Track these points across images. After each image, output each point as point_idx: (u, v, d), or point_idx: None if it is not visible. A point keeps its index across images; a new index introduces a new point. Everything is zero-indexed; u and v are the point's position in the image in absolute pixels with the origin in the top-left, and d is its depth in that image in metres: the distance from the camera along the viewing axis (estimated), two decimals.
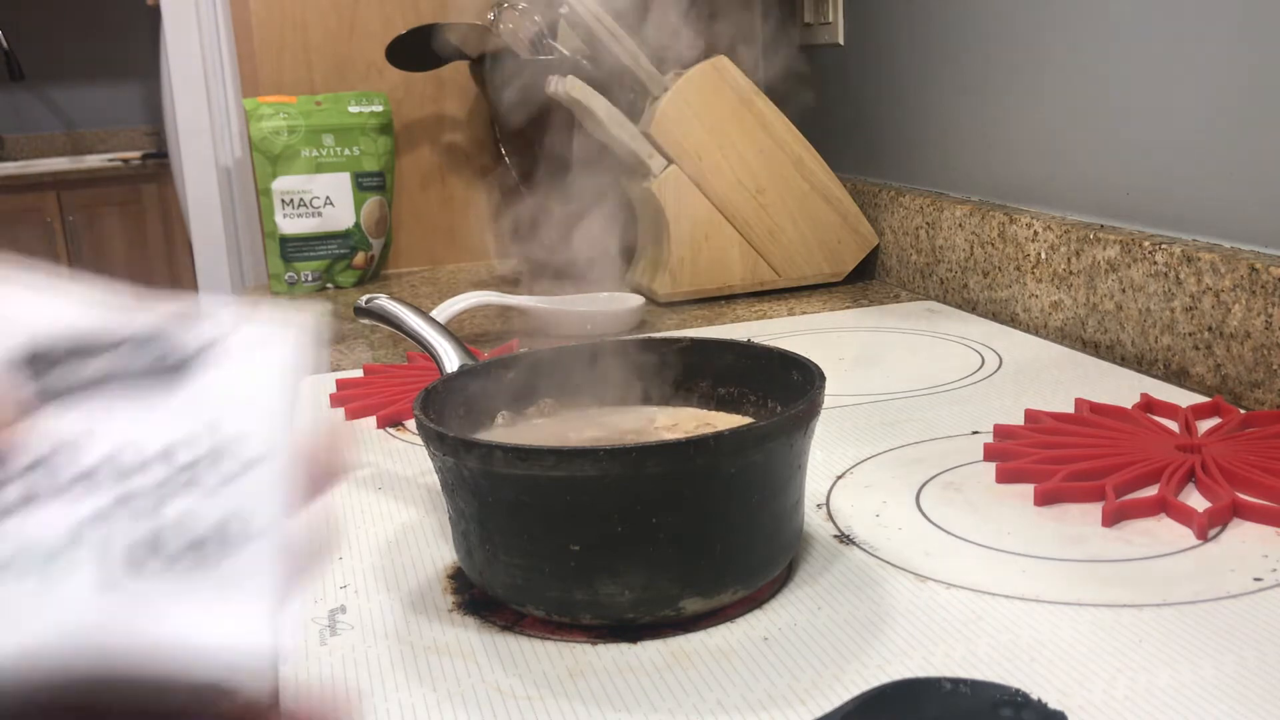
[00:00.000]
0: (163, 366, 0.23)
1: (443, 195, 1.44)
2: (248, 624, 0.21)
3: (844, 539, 0.58)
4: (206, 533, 0.21)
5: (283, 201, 1.29)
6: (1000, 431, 0.70)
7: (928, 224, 1.14)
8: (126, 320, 0.24)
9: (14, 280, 0.24)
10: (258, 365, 0.24)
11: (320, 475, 0.24)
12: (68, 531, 0.21)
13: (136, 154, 3.15)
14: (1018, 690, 0.42)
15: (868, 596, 0.52)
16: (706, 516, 0.49)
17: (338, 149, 1.30)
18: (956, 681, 0.43)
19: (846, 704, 0.43)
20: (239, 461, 0.22)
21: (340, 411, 0.84)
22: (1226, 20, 0.80)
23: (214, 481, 0.22)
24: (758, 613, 0.51)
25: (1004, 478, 0.64)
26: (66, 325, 0.23)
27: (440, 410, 0.56)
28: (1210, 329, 0.80)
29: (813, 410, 0.53)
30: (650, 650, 0.49)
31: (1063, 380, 0.82)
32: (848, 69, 1.31)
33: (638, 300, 1.07)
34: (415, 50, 1.29)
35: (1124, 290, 0.88)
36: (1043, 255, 0.97)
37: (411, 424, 0.79)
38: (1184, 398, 0.76)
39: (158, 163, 3.02)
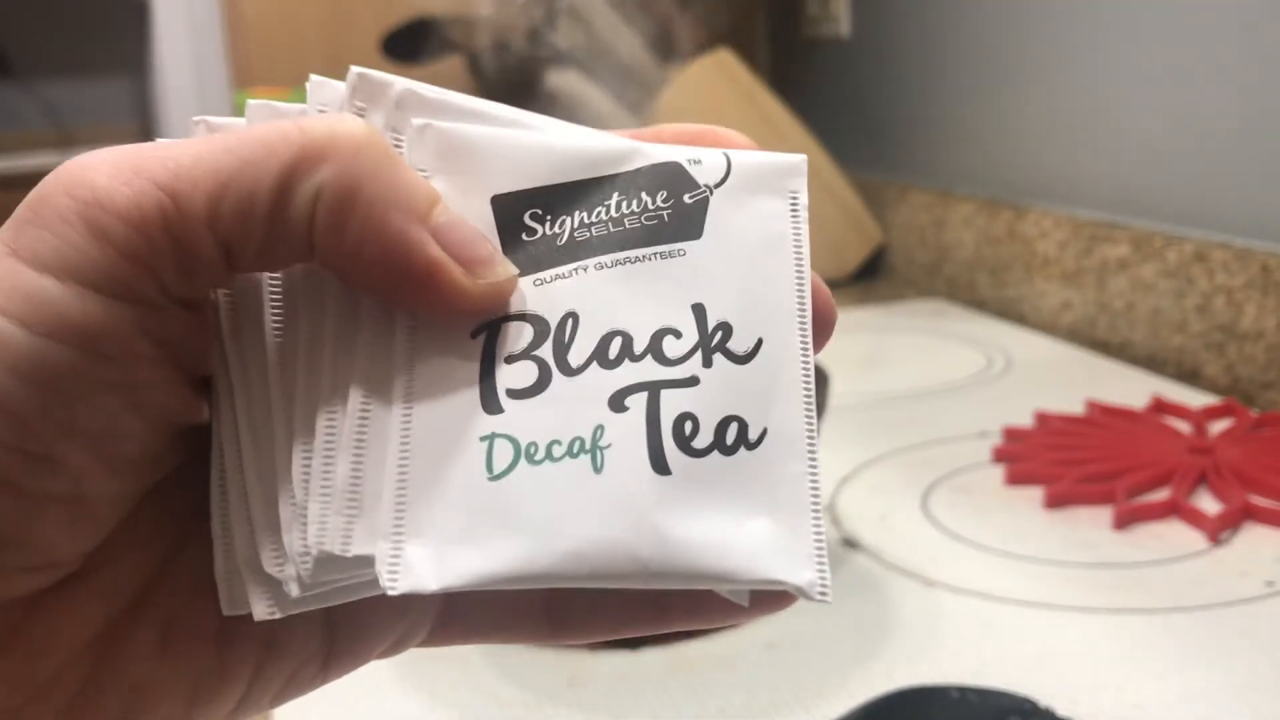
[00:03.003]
0: (648, 228, 0.20)
1: None
2: (796, 553, 0.20)
3: (849, 543, 0.57)
4: (714, 432, 0.19)
5: None
6: (1009, 433, 0.69)
7: (934, 221, 1.13)
8: (610, 164, 0.21)
9: (482, 114, 0.20)
10: (758, 240, 0.21)
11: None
12: (606, 406, 0.19)
13: None
14: (1026, 698, 0.42)
15: (873, 602, 0.51)
16: None
17: None
18: (964, 689, 0.43)
19: (852, 712, 0.42)
20: (726, 358, 0.20)
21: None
22: (1239, 16, 0.79)
23: (725, 380, 0.20)
24: (761, 619, 0.50)
25: (1013, 480, 0.63)
26: (545, 169, 0.20)
27: None
28: (1222, 328, 0.79)
29: (816, 412, 0.52)
30: (651, 658, 0.48)
31: (1072, 381, 0.81)
32: (852, 63, 1.30)
33: None
34: (411, 43, 1.28)
35: (1135, 289, 0.87)
36: (1052, 253, 0.96)
37: None
38: (1196, 398, 0.75)
39: None
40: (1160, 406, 0.72)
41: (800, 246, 0.21)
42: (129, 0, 1.88)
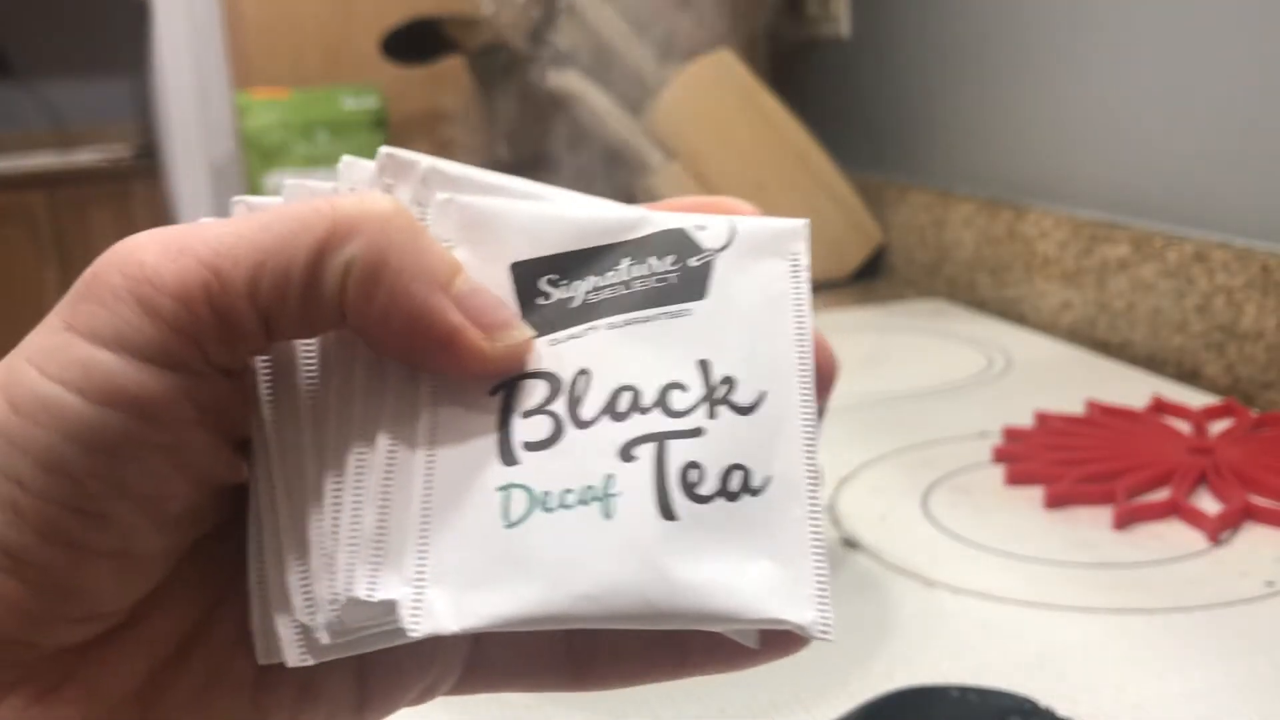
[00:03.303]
0: (655, 290, 0.22)
1: None
2: (798, 594, 0.20)
3: (849, 543, 0.57)
4: (719, 480, 0.21)
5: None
6: (1009, 433, 0.69)
7: (934, 221, 1.13)
8: (619, 231, 0.22)
9: (489, 184, 0.22)
10: (762, 298, 0.22)
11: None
12: (616, 456, 0.20)
13: (127, 151, 3.14)
14: (1026, 698, 0.42)
15: (873, 602, 0.51)
16: None
17: (331, 144, 1.29)
18: (964, 689, 0.43)
19: (852, 712, 0.42)
20: (730, 409, 0.21)
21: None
22: (1239, 16, 0.79)
23: (730, 431, 0.21)
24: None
25: (1013, 480, 0.63)
26: (556, 234, 0.22)
27: None
28: (1222, 328, 0.79)
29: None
30: None
31: (1072, 381, 0.81)
32: (852, 63, 1.30)
33: None
34: (411, 43, 1.28)
35: (1135, 289, 0.87)
36: (1052, 253, 0.96)
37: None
38: (1196, 398, 0.75)
39: (148, 160, 3.00)
40: (1160, 406, 0.72)
41: (801, 305, 0.22)
42: (129, 0, 1.88)
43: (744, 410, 0.21)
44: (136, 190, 3.19)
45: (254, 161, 1.28)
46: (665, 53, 1.13)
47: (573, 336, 0.21)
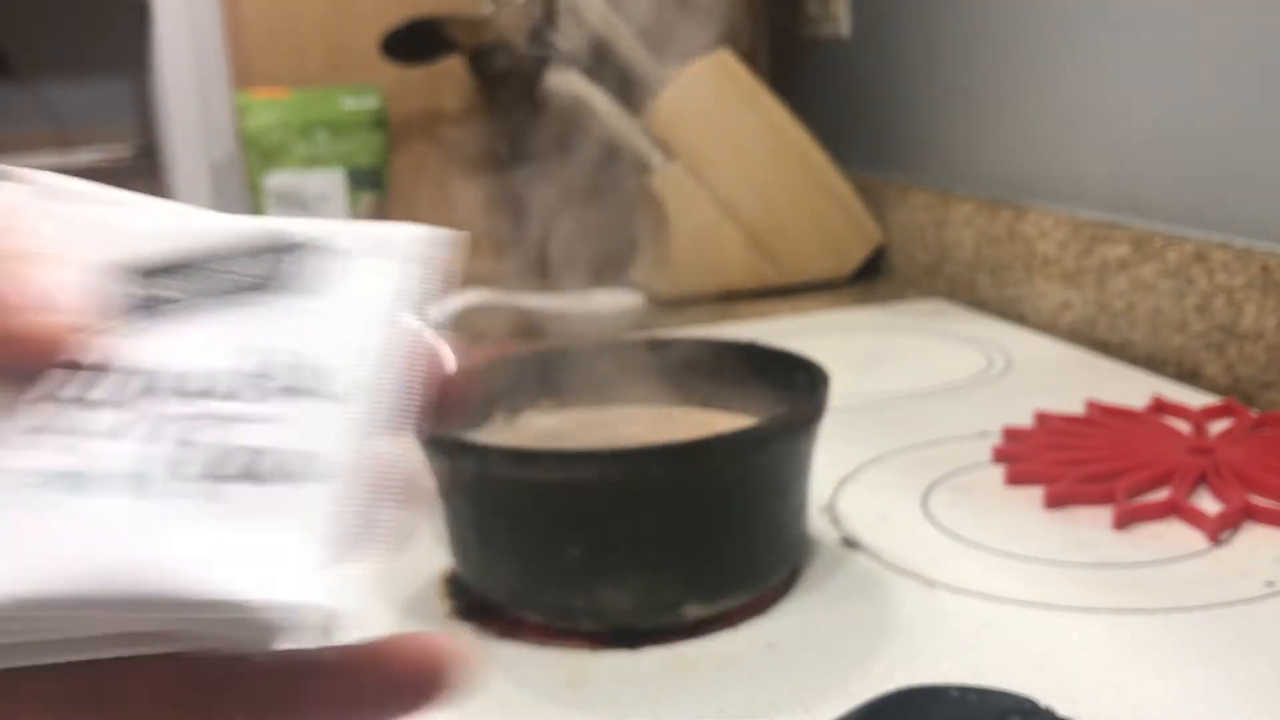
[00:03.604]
0: (257, 287, 0.23)
1: (439, 192, 1.43)
2: (295, 564, 0.19)
3: (849, 543, 0.57)
4: (266, 464, 0.20)
5: (275, 198, 1.28)
6: (1009, 433, 0.69)
7: (935, 221, 1.13)
8: (228, 238, 0.23)
9: (119, 199, 0.23)
10: (359, 294, 0.23)
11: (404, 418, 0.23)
12: (116, 450, 0.20)
13: (127, 151, 3.13)
14: (1026, 698, 0.42)
15: (873, 602, 0.51)
16: (709, 520, 0.48)
17: (331, 144, 1.29)
18: (964, 689, 0.43)
19: (852, 712, 0.42)
20: (314, 399, 0.21)
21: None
22: (1240, 15, 0.79)
23: (283, 415, 0.21)
24: (761, 619, 0.50)
25: (1013, 480, 0.63)
26: (168, 240, 0.23)
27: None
28: (1222, 328, 0.79)
29: (817, 412, 0.52)
30: (651, 657, 0.48)
31: (1072, 381, 0.81)
32: (852, 63, 1.30)
33: (638, 299, 1.06)
34: (411, 43, 1.28)
35: (1135, 289, 0.87)
36: (1052, 253, 0.96)
37: None
38: (1196, 398, 0.75)
39: (148, 160, 2.98)
40: (1160, 406, 0.72)
41: (404, 301, 0.23)
42: (129, 0, 1.88)
43: (316, 396, 0.21)
44: (137, 190, 3.18)
45: (254, 161, 1.28)
46: (665, 53, 1.13)
47: (149, 329, 0.22)
